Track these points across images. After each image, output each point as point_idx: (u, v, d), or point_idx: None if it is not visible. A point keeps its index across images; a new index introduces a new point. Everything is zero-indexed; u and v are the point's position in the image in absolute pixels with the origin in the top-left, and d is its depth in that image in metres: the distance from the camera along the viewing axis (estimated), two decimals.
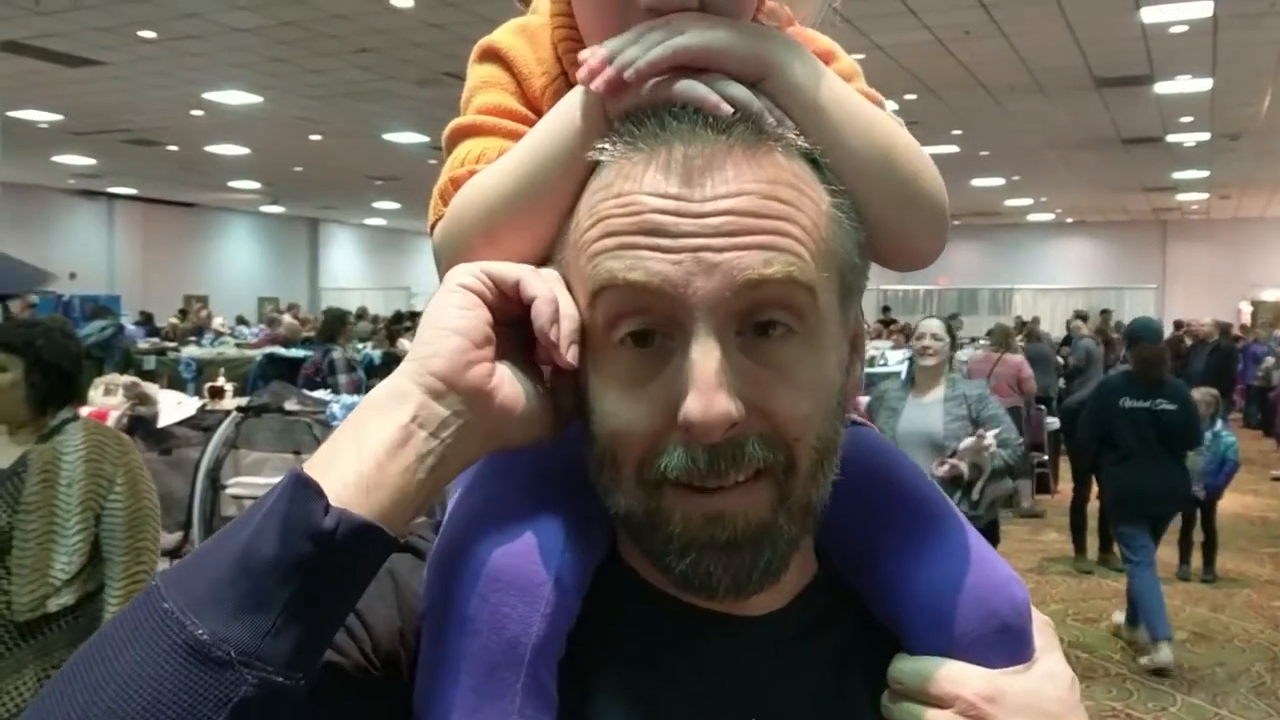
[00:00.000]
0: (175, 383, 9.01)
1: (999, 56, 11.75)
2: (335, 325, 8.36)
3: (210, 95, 14.01)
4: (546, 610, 0.68)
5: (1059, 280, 27.25)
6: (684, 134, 0.69)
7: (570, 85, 0.79)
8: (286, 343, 9.98)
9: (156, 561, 2.93)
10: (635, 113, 0.71)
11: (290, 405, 3.81)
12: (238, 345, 12.07)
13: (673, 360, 0.67)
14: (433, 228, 0.80)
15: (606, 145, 0.71)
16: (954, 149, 17.77)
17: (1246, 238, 27.09)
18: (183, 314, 21.09)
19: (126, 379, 3.96)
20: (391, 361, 8.84)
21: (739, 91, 0.71)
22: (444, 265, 0.78)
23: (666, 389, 0.66)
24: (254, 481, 3.74)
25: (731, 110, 0.70)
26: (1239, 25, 10.44)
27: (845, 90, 0.76)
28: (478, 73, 0.86)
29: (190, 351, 9.53)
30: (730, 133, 0.69)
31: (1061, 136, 16.62)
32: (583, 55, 0.72)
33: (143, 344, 13.13)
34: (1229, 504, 9.18)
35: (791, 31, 0.81)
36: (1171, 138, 16.68)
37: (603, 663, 0.73)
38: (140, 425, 3.97)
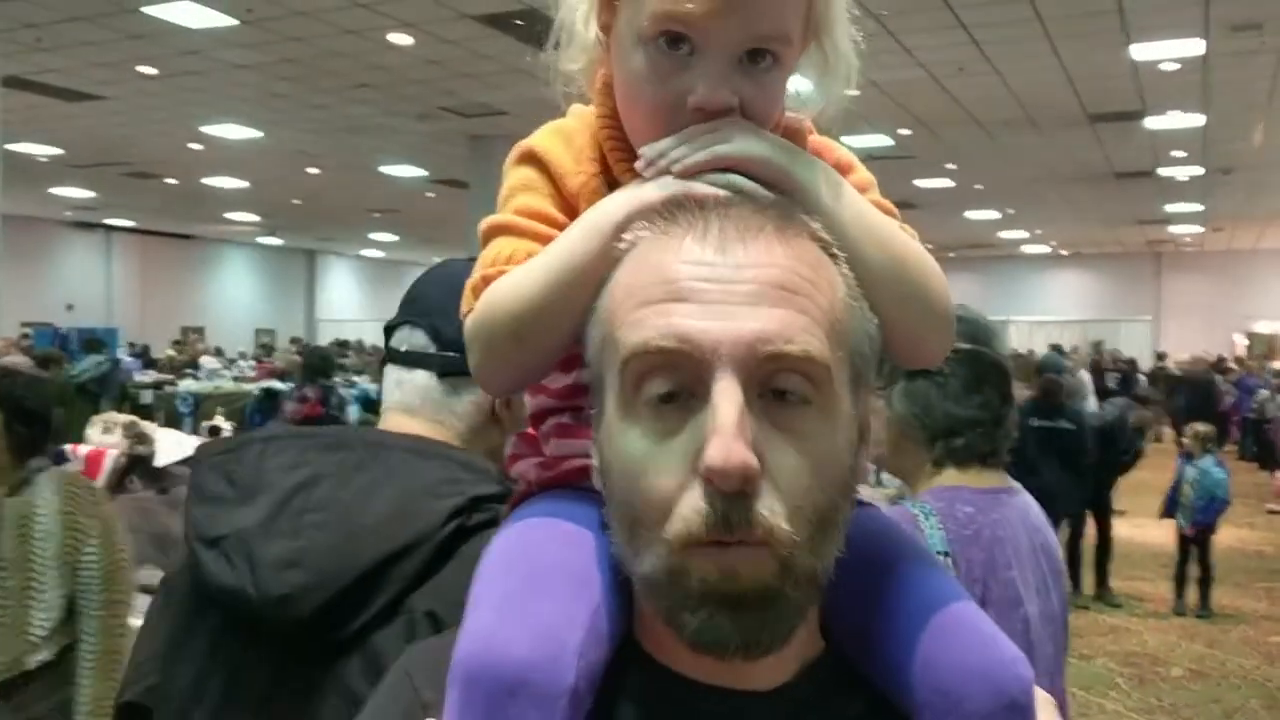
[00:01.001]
0: (172, 418, 9.01)
1: (992, 93, 11.86)
2: (327, 364, 8.34)
3: (209, 129, 14.10)
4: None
5: (1054, 312, 27.33)
6: (720, 209, 0.75)
7: (609, 184, 0.86)
8: (283, 376, 9.99)
9: (129, 613, 2.84)
10: (671, 203, 0.78)
11: None
12: (235, 379, 12.08)
13: (696, 417, 0.70)
14: (463, 317, 0.86)
15: (644, 227, 0.77)
16: (949, 183, 17.89)
17: (1240, 270, 27.23)
18: (178, 344, 21.06)
19: (125, 418, 3.98)
20: None
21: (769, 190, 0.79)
22: (475, 356, 0.85)
23: (689, 442, 0.70)
24: None
25: (770, 194, 0.78)
26: (1230, 62, 10.55)
27: (865, 207, 0.83)
28: (516, 175, 0.90)
29: (187, 385, 9.53)
30: (765, 213, 0.76)
31: (1055, 170, 16.74)
32: (642, 151, 0.81)
33: (140, 377, 13.13)
34: (1224, 538, 9.19)
35: (814, 141, 0.88)
36: (1164, 171, 16.80)
37: None
38: (138, 464, 3.99)
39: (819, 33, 0.84)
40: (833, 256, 0.77)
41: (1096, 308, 27.40)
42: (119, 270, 25.71)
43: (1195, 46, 10.04)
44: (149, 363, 18.16)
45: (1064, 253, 29.55)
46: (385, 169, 17.09)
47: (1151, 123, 13.27)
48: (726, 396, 0.68)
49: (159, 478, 4.03)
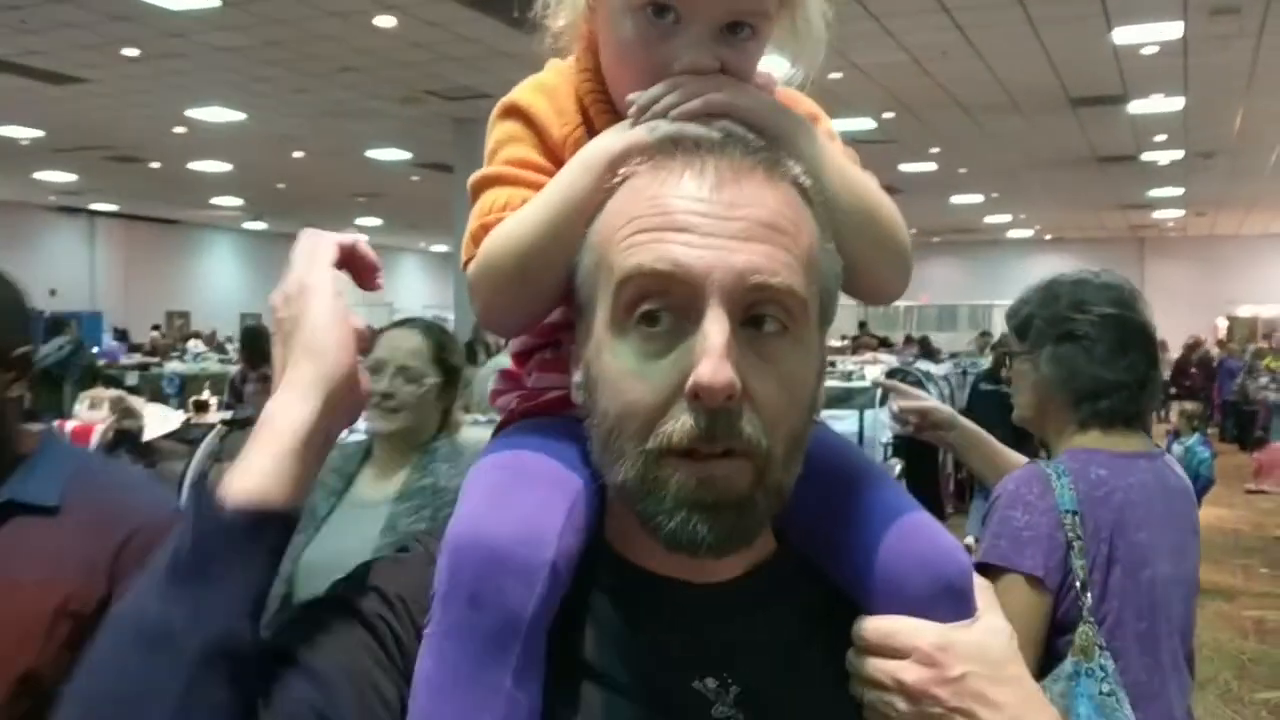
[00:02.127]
0: (158, 399, 9.01)
1: (975, 77, 11.91)
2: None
3: (193, 113, 14.04)
4: (542, 591, 0.79)
5: None
6: (716, 150, 0.82)
7: (591, 134, 0.91)
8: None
9: None
10: (666, 142, 0.84)
11: None
12: (221, 361, 12.08)
13: (684, 340, 0.77)
14: (465, 265, 0.91)
15: (639, 163, 0.83)
16: (933, 166, 17.95)
17: (1223, 254, 27.41)
18: (156, 329, 20.93)
19: (112, 393, 4.02)
20: None
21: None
22: (480, 301, 0.91)
23: (676, 363, 0.77)
24: None
25: (758, 139, 0.85)
26: (1209, 46, 10.61)
27: (840, 159, 0.91)
28: (501, 129, 0.96)
29: (173, 367, 9.54)
30: (755, 157, 0.82)
31: (1038, 155, 16.81)
32: (632, 97, 0.87)
33: (124, 359, 13.10)
34: (1204, 516, 9.24)
35: (782, 93, 0.95)
36: (1146, 156, 16.89)
37: (583, 627, 0.85)
38: (126, 439, 4.03)
39: (793, 8, 0.90)
40: (810, 202, 0.85)
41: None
42: (103, 255, 25.60)
43: (1174, 30, 10.10)
44: (132, 347, 18.09)
45: (1048, 237, 29.67)
46: (370, 153, 17.05)
47: (1134, 107, 13.34)
48: (716, 322, 0.76)
49: (147, 452, 4.07)
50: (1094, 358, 2.03)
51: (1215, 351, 20.37)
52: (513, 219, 0.88)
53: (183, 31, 10.24)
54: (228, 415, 3.99)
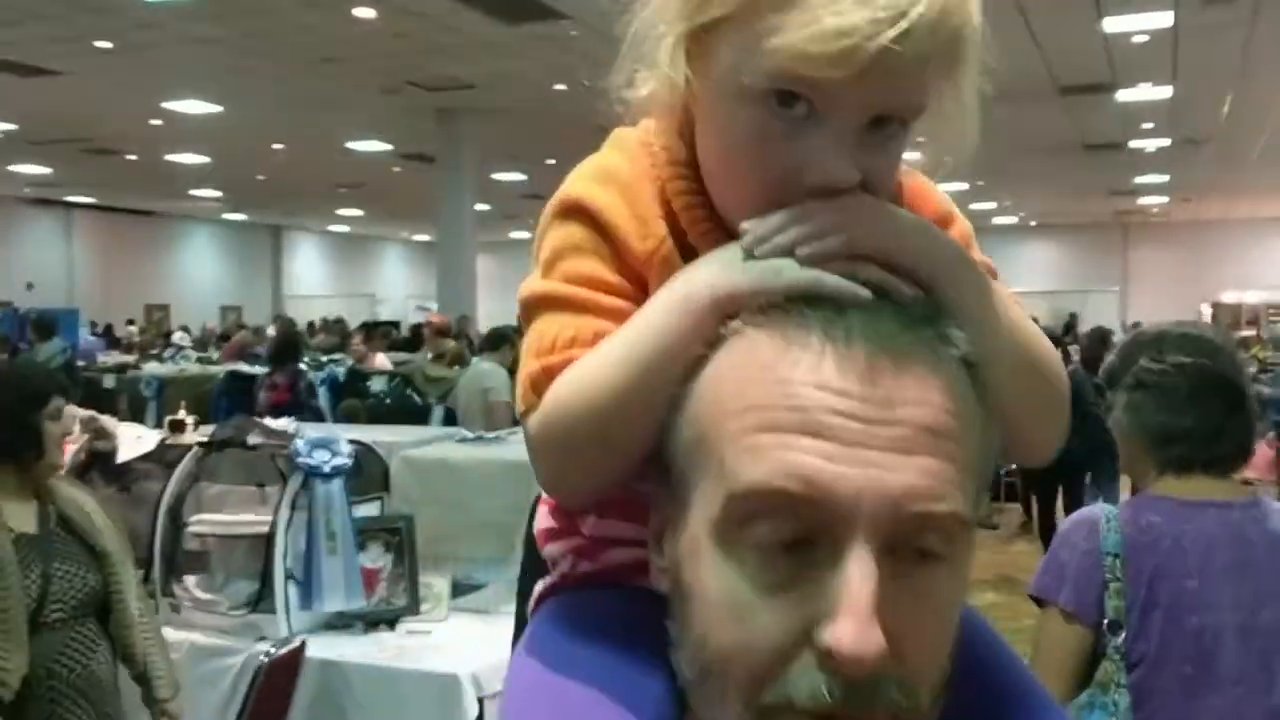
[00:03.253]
0: (136, 402, 8.83)
1: None
2: (294, 346, 8.19)
3: (169, 105, 13.85)
4: None
5: (1023, 283, 27.41)
6: (863, 322, 0.62)
7: (682, 247, 0.73)
8: (250, 358, 9.85)
9: None
10: (793, 293, 0.65)
11: (253, 439, 3.71)
12: (199, 359, 11.89)
13: (814, 572, 0.59)
14: (523, 415, 0.74)
15: (761, 316, 0.64)
16: (917, 154, 17.84)
17: (1206, 241, 27.41)
18: (130, 323, 20.63)
19: (84, 412, 3.85)
20: (359, 378, 8.73)
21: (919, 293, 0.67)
22: (549, 466, 0.74)
23: (802, 604, 0.59)
24: (216, 519, 3.64)
25: (916, 293, 0.66)
26: (1199, 35, 10.53)
27: (1003, 299, 0.74)
28: (561, 232, 0.76)
29: (152, 369, 9.35)
30: (916, 329, 0.63)
31: (1025, 142, 16.71)
32: (744, 225, 0.68)
33: (102, 358, 12.88)
34: None
35: (912, 185, 0.79)
36: (1133, 144, 16.85)
37: None
38: (98, 460, 3.86)
39: (949, 87, 0.71)
40: (975, 381, 0.66)
41: (1064, 278, 27.49)
42: (80, 248, 25.28)
43: (1165, 19, 10.02)
44: (113, 342, 17.83)
45: (1032, 223, 29.65)
46: (351, 144, 16.86)
47: (1122, 95, 13.27)
48: (862, 567, 0.58)
49: (120, 474, 3.90)
50: (1164, 405, 2.08)
51: None
52: (588, 365, 0.70)
53: (157, 23, 10.04)
54: (204, 436, 3.81)
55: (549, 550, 0.82)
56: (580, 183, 0.77)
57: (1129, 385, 2.14)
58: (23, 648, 2.63)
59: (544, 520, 0.83)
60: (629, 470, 0.72)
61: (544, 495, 0.83)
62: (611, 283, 0.74)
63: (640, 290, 0.73)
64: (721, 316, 0.66)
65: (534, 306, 0.76)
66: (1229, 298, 26.37)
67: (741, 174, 0.69)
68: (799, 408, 0.60)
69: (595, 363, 0.70)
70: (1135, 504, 2.12)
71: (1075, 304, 23.13)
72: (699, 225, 0.74)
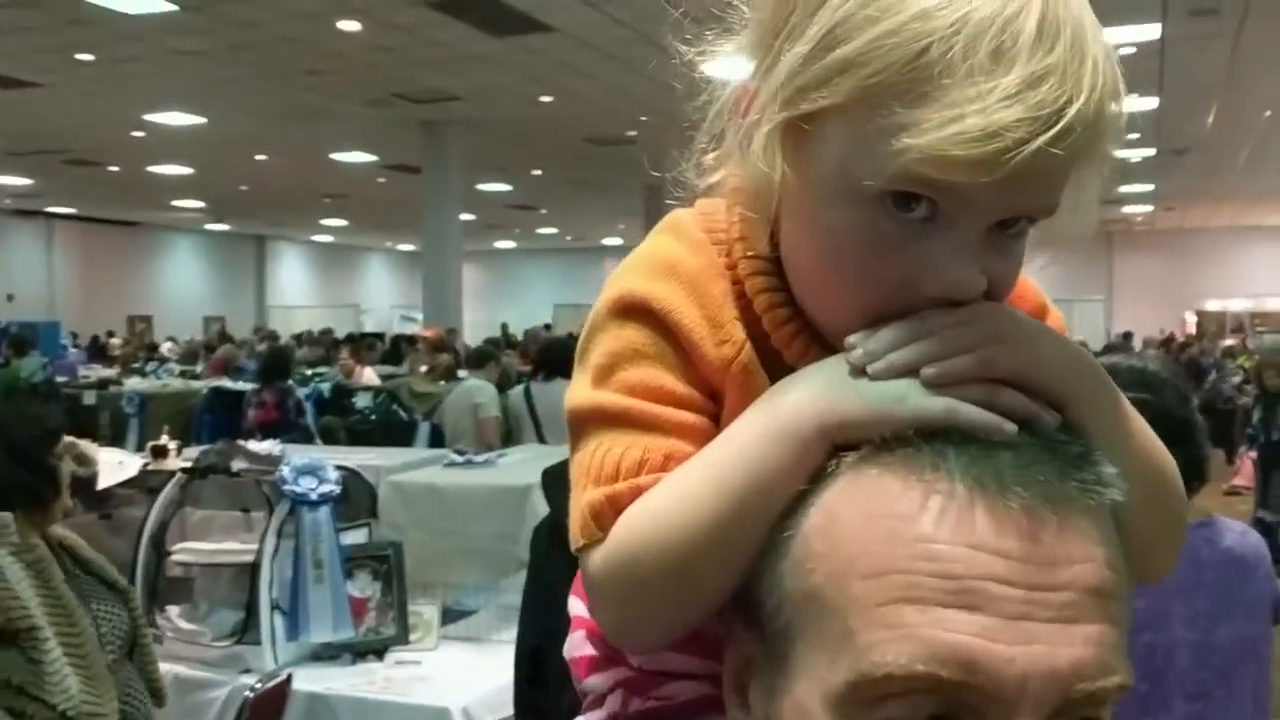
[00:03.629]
0: (118, 419, 8.72)
1: None
2: (284, 363, 8.10)
3: (152, 116, 13.74)
4: None
5: None
6: (1015, 464, 0.54)
7: (763, 353, 0.64)
8: (232, 372, 9.75)
9: None
10: (923, 426, 0.56)
11: (237, 465, 3.64)
12: (183, 373, 11.77)
13: None
14: (582, 549, 0.64)
15: (884, 452, 0.56)
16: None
17: (1191, 249, 27.50)
18: (111, 335, 20.42)
19: (65, 439, 3.77)
20: (344, 394, 8.61)
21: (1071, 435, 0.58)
22: (615, 611, 0.64)
23: None
24: (199, 548, 3.56)
25: (1057, 419, 0.57)
26: (1187, 47, 10.55)
27: (1133, 416, 0.65)
28: (620, 336, 0.65)
29: (134, 384, 9.23)
30: (1074, 474, 0.55)
31: None
32: (853, 340, 0.59)
33: (84, 371, 12.72)
34: None
35: None
36: (1119, 153, 16.85)
37: None
38: (79, 487, 3.77)
39: (1076, 184, 0.63)
40: (1117, 514, 0.58)
41: (1050, 288, 26.85)
42: (61, 259, 25.08)
43: (1153, 31, 10.03)
44: (95, 354, 17.62)
45: None
46: (336, 155, 16.76)
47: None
48: None
49: (102, 501, 3.82)
50: None
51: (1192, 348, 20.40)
52: (666, 498, 0.61)
53: (139, 35, 9.95)
54: (188, 463, 3.73)
55: (591, 683, 0.73)
56: (638, 277, 0.66)
57: None
58: (111, 690, 2.52)
59: (581, 647, 0.73)
60: (707, 616, 0.63)
61: (575, 600, 0.74)
62: (681, 394, 0.64)
63: (713, 402, 0.64)
64: (830, 448, 0.57)
65: (587, 421, 0.65)
66: (1213, 306, 26.49)
67: (846, 279, 0.60)
68: (950, 574, 0.51)
69: (675, 495, 0.61)
70: None
71: (1062, 313, 23.16)
72: (784, 329, 0.65)
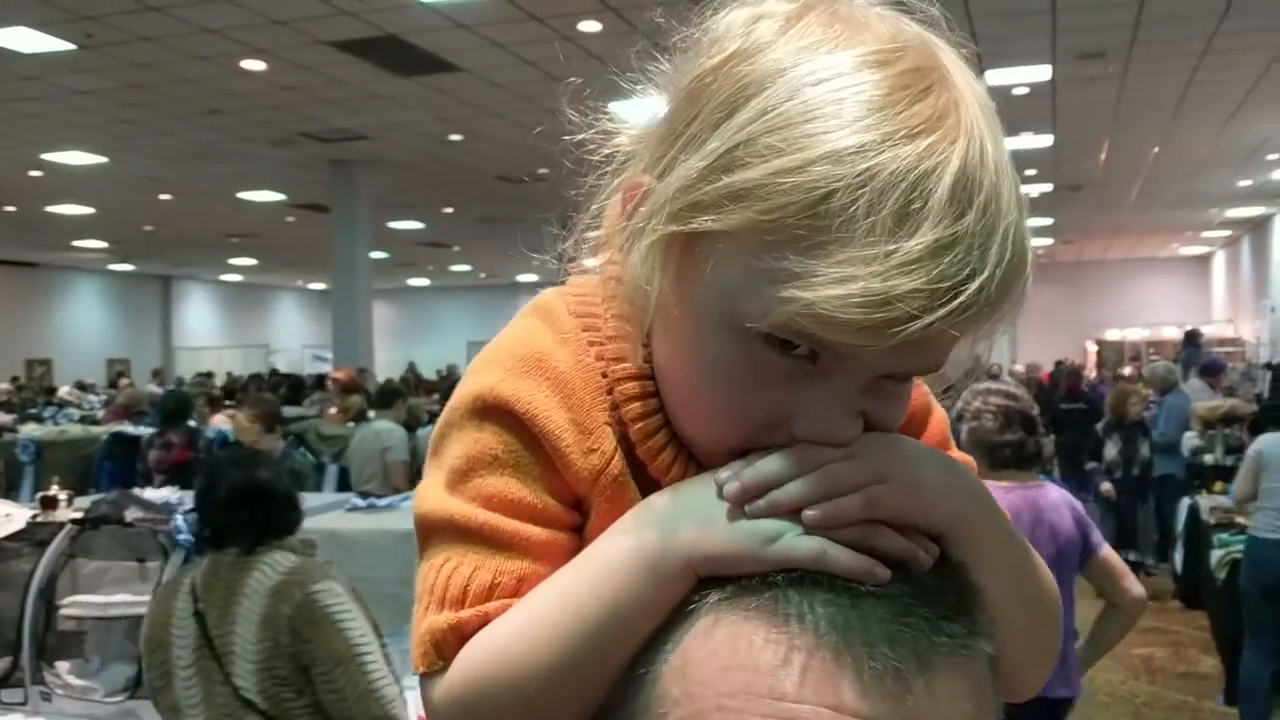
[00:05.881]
0: (12, 467, 8.44)
1: None
2: (185, 405, 7.91)
3: (50, 156, 13.41)
4: None
5: None
6: (886, 617, 0.51)
7: (633, 465, 0.59)
8: (134, 417, 9.49)
9: None
10: (790, 568, 0.52)
11: (131, 514, 3.56)
12: (82, 418, 11.44)
13: None
14: (424, 678, 0.60)
15: (748, 595, 0.51)
16: None
17: (1090, 281, 28.32)
18: (14, 380, 19.78)
19: None
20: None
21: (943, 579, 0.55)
22: None
23: None
24: (91, 601, 3.47)
25: (931, 556, 0.55)
26: (1076, 87, 10.93)
27: (1013, 539, 0.63)
28: (477, 439, 0.60)
29: (30, 431, 8.95)
30: (946, 627, 0.52)
31: None
32: (724, 475, 0.55)
33: None
34: None
35: None
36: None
37: None
38: None
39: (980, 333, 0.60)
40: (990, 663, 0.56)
41: None
42: None
43: (1044, 72, 10.38)
44: None
45: None
46: (243, 194, 16.50)
47: (1007, 143, 13.65)
48: None
49: None
50: (991, 429, 3.27)
51: (1091, 375, 20.94)
52: (515, 628, 0.56)
53: (34, 75, 9.73)
54: (79, 514, 3.64)
55: None
56: (500, 371, 0.61)
57: (970, 416, 3.28)
58: None
59: None
60: None
61: None
62: (539, 508, 0.59)
63: (576, 513, 0.60)
64: (694, 580, 0.54)
65: (437, 530, 0.60)
66: (1112, 335, 27.27)
67: (720, 405, 0.56)
68: None
69: (525, 629, 0.56)
70: None
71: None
72: (652, 440, 0.61)
